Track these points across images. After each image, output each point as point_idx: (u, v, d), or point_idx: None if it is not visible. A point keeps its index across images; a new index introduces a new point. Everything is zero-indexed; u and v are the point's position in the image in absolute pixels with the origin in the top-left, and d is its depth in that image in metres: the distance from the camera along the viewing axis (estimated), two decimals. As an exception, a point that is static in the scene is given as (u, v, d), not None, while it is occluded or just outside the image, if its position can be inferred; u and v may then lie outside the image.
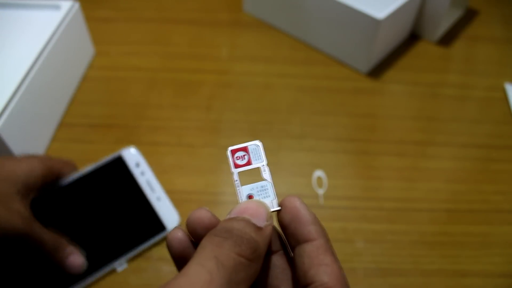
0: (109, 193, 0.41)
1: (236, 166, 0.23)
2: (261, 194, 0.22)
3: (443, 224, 0.43)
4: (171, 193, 0.43)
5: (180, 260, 0.22)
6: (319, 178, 0.46)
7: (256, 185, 0.22)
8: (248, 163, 0.23)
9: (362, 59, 0.56)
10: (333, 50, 0.59)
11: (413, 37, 0.63)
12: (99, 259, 0.38)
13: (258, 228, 0.20)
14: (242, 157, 0.23)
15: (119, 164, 0.42)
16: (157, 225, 0.40)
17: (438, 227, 0.43)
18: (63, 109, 0.51)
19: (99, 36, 0.60)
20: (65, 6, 0.51)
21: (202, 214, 0.21)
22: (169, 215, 0.40)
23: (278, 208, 0.22)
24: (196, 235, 0.21)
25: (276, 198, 0.22)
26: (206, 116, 0.52)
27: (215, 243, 0.19)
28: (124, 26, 0.64)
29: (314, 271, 0.20)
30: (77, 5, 0.53)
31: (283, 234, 0.22)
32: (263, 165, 0.23)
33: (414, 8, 0.58)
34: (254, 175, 0.22)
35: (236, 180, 0.22)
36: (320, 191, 0.45)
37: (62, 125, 0.50)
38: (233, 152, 0.23)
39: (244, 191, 0.22)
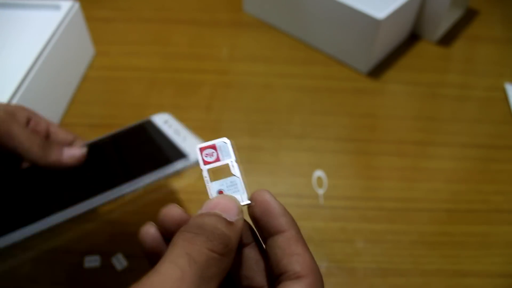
0: (131, 137, 0.41)
1: (205, 163, 0.23)
2: (230, 189, 0.23)
3: (443, 224, 0.43)
4: (171, 193, 0.43)
5: (153, 256, 0.22)
6: (319, 178, 0.46)
7: (225, 180, 0.23)
8: (217, 160, 0.23)
9: (362, 59, 0.56)
10: (333, 50, 0.59)
11: (413, 37, 0.63)
12: (113, 180, 0.37)
13: (229, 223, 0.20)
14: (211, 154, 0.23)
15: (148, 124, 0.42)
16: (177, 153, 0.38)
17: (438, 227, 0.43)
18: (63, 109, 0.51)
19: (99, 36, 0.60)
20: (65, 6, 0.51)
21: (172, 211, 0.22)
22: (191, 144, 0.39)
23: (248, 202, 0.22)
24: (167, 231, 0.22)
25: (246, 193, 0.22)
26: (206, 116, 0.52)
27: (187, 240, 0.19)
28: (124, 26, 0.64)
29: (286, 261, 0.20)
30: (77, 5, 0.53)
31: (254, 227, 0.23)
32: (232, 161, 0.23)
33: (414, 8, 0.58)
34: (226, 172, 0.23)
35: (206, 177, 0.23)
36: (320, 191, 0.45)
37: (62, 125, 0.50)
38: (202, 149, 0.23)
39: (213, 187, 0.23)
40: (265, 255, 0.22)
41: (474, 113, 0.54)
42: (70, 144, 0.37)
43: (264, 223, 0.22)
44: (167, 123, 0.42)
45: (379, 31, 0.52)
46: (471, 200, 0.45)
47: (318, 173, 0.47)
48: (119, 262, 0.39)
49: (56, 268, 0.39)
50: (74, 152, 0.34)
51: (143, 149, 0.39)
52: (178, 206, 0.22)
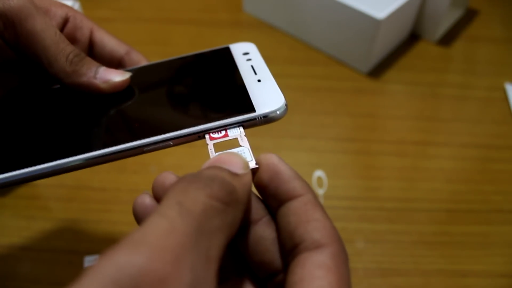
0: (199, 70, 0.31)
1: (212, 138, 0.22)
2: None
3: (443, 224, 0.43)
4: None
5: None
6: (319, 178, 0.46)
7: (231, 150, 0.21)
8: (225, 136, 0.22)
9: (362, 59, 0.56)
10: (333, 50, 0.59)
11: (413, 37, 0.63)
12: (174, 123, 0.26)
13: (234, 174, 0.17)
14: (219, 131, 0.22)
15: (223, 54, 0.32)
16: (244, 104, 0.26)
17: (438, 227, 0.43)
18: (63, 109, 0.51)
19: (99, 36, 0.60)
20: (65, 6, 0.51)
21: (164, 176, 0.19)
22: (266, 95, 0.26)
23: (256, 166, 0.19)
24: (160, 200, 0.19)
25: (254, 160, 0.20)
26: (206, 116, 0.52)
27: (179, 190, 0.16)
28: (124, 26, 0.64)
29: (302, 229, 0.17)
30: (77, 5, 0.53)
31: (261, 198, 0.20)
32: (241, 135, 0.21)
33: (414, 8, 0.58)
34: (233, 146, 0.21)
35: (211, 149, 0.21)
36: (320, 191, 0.45)
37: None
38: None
39: (217, 154, 0.20)
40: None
41: (474, 113, 0.54)
42: (119, 60, 0.28)
43: (273, 190, 0.19)
44: (246, 56, 0.32)
45: (379, 31, 0.52)
46: (471, 200, 0.45)
47: (318, 173, 0.47)
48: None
49: (56, 268, 0.39)
50: (111, 76, 0.24)
51: (203, 89, 0.29)
52: (172, 172, 0.19)
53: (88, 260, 0.39)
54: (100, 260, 0.14)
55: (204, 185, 0.16)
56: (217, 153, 0.20)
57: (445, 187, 0.46)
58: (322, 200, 0.44)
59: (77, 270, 0.38)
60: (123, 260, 0.13)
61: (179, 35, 0.63)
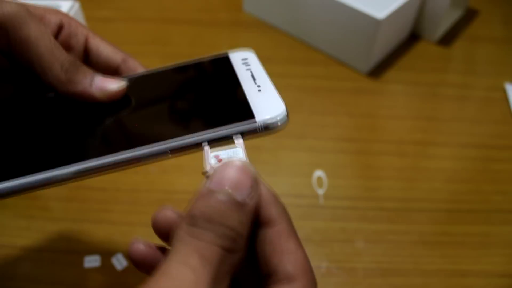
0: (198, 78, 0.31)
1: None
2: (230, 155, 0.21)
3: (443, 224, 0.43)
4: (171, 193, 0.43)
5: (147, 269, 0.21)
6: (319, 178, 0.46)
7: (225, 150, 0.21)
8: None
9: (362, 59, 0.56)
10: (333, 50, 0.59)
11: (413, 37, 0.63)
12: (172, 131, 0.25)
13: (241, 205, 0.18)
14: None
15: (222, 62, 0.31)
16: (244, 115, 0.25)
17: (438, 227, 0.43)
18: (63, 109, 0.51)
19: (99, 36, 0.60)
20: (65, 6, 0.51)
21: (166, 214, 0.20)
22: (266, 104, 0.26)
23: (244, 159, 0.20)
24: (163, 236, 0.20)
25: (246, 160, 0.20)
26: (206, 116, 0.52)
27: (195, 236, 0.17)
28: (124, 26, 0.64)
29: (277, 260, 0.18)
30: (77, 5, 0.53)
31: None
32: (238, 138, 0.22)
33: (414, 8, 0.58)
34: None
35: (206, 146, 0.21)
36: (320, 191, 0.45)
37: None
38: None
39: (212, 153, 0.21)
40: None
41: (474, 113, 0.54)
42: (114, 69, 0.27)
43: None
44: (245, 64, 0.31)
45: (379, 31, 0.52)
46: (471, 200, 0.45)
47: (318, 173, 0.47)
48: (119, 262, 0.39)
49: (56, 268, 0.39)
50: (107, 85, 0.24)
51: (201, 97, 0.28)
52: (171, 208, 0.20)
53: (88, 260, 0.39)
54: None
55: (216, 235, 0.17)
56: (219, 163, 0.20)
57: (445, 187, 0.46)
58: (322, 200, 0.44)
59: (77, 270, 0.38)
60: None
61: (179, 35, 0.63)
